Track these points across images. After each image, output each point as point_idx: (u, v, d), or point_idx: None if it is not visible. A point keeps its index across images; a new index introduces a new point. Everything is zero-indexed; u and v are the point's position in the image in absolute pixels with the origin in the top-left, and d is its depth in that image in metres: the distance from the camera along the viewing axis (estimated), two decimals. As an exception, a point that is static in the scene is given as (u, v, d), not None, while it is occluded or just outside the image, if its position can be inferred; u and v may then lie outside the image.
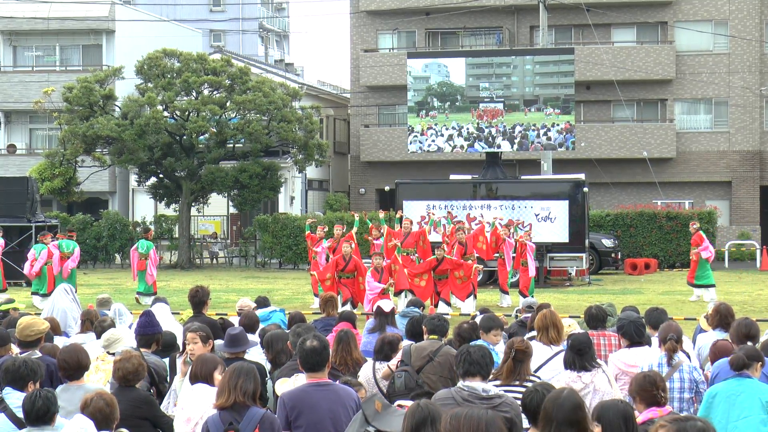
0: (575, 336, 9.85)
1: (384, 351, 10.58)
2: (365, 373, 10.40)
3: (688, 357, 10.38)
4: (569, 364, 9.48)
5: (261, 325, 12.83)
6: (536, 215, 33.32)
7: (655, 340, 10.86)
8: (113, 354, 10.26)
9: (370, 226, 28.00)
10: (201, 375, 8.79)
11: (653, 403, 7.72)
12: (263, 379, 9.80)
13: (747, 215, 49.07)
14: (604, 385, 9.40)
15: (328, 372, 8.53)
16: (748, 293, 29.99)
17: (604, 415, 6.43)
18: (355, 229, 28.48)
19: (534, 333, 10.98)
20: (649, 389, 7.75)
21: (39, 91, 45.48)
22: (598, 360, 9.73)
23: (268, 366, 10.80)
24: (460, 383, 8.11)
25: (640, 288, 32.24)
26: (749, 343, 9.89)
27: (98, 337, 11.60)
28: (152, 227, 38.60)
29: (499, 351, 11.28)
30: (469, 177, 36.74)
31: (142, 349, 10.54)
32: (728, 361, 8.96)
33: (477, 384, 7.95)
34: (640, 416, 7.48)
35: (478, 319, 12.25)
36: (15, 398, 8.41)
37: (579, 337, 9.77)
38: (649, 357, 10.06)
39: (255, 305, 14.71)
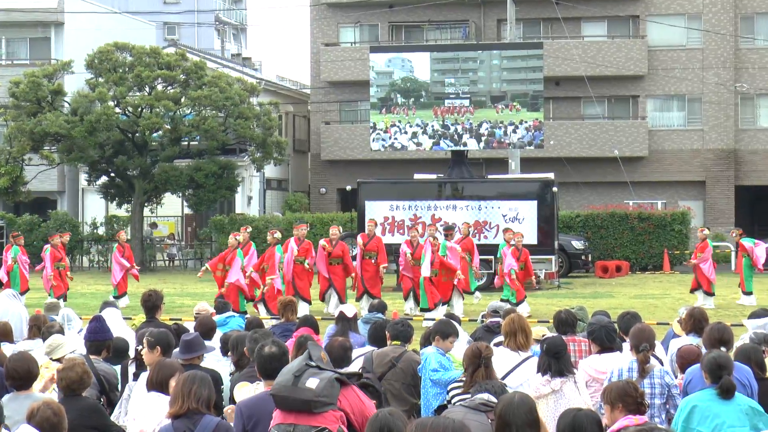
0: (550, 340, 9.83)
1: (346, 358, 10.07)
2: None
3: (660, 362, 10.38)
4: (544, 369, 9.49)
5: (219, 331, 12.82)
6: (504, 216, 33.11)
7: (625, 346, 10.74)
8: (58, 360, 10.10)
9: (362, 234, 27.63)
10: (156, 382, 8.67)
11: (635, 411, 7.60)
12: (218, 386, 9.81)
13: (721, 216, 49.06)
14: (572, 392, 9.42)
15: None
16: (722, 297, 29.58)
17: (560, 423, 6.66)
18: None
19: (501, 338, 10.92)
20: (634, 395, 7.73)
21: (-16, 86, 45.45)
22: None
23: (232, 368, 10.89)
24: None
25: (611, 291, 32.27)
26: (723, 349, 9.75)
27: (47, 343, 11.57)
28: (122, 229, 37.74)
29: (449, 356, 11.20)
30: (434, 176, 36.45)
31: (92, 356, 10.57)
32: (718, 386, 8.68)
33: (484, 395, 7.96)
34: (616, 424, 7.37)
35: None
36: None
37: (554, 340, 9.78)
38: (619, 363, 10.03)
39: (213, 310, 14.80)
